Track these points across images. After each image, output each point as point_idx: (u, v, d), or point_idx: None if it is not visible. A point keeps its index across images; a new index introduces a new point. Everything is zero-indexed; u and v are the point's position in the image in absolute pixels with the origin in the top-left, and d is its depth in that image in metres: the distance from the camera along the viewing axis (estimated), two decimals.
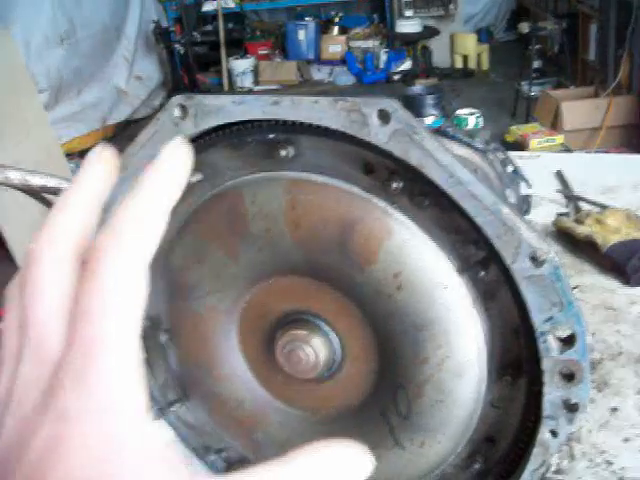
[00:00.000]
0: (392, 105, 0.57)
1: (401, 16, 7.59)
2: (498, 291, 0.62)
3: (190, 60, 7.26)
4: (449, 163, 0.56)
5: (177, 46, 7.09)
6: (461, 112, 1.87)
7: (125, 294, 0.31)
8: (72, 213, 0.35)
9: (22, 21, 4.99)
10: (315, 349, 0.70)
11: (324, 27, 8.09)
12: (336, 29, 8.06)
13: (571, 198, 1.66)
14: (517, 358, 0.64)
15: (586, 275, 1.38)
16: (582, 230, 1.42)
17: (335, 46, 7.95)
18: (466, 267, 0.62)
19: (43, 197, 0.93)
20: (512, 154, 1.29)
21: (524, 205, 1.22)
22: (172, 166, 0.35)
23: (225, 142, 0.69)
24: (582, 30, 5.89)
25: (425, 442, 0.70)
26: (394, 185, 0.61)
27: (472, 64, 7.70)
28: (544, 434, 0.62)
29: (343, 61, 7.89)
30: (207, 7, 7.63)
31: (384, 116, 0.57)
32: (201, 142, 0.70)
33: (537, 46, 6.10)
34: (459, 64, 7.75)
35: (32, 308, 0.33)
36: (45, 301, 0.33)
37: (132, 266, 0.32)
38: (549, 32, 6.17)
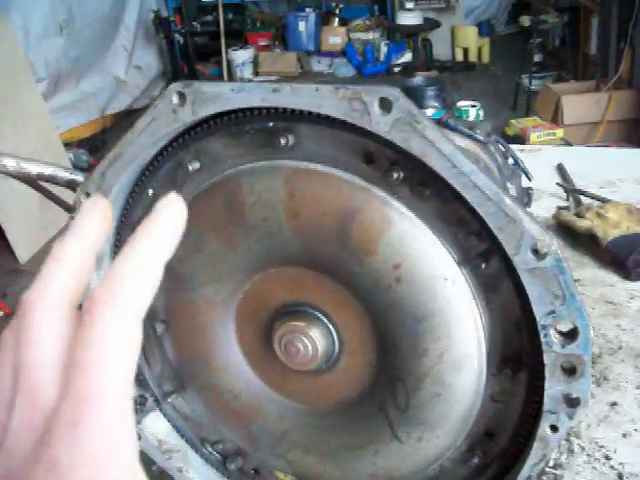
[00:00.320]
0: (394, 94, 0.56)
1: (402, 8, 7.56)
2: (499, 284, 0.61)
3: (190, 50, 7.23)
4: (451, 153, 0.55)
5: (177, 36, 7.06)
6: (462, 104, 1.87)
7: (120, 347, 0.32)
8: (67, 263, 0.36)
9: (21, 10, 4.96)
10: (313, 341, 0.69)
11: (324, 18, 8.05)
12: (336, 20, 8.03)
13: (572, 192, 1.65)
14: (518, 351, 0.63)
15: (586, 269, 1.37)
16: (582, 224, 1.41)
17: (335, 38, 7.92)
18: (467, 259, 0.62)
19: (39, 185, 0.92)
20: (513, 147, 1.28)
21: (525, 198, 1.21)
22: (167, 222, 0.36)
23: (224, 130, 0.68)
24: (583, 24, 5.87)
25: (423, 436, 0.69)
26: (395, 175, 0.60)
27: (473, 57, 7.68)
28: (544, 429, 0.62)
29: (343, 53, 7.86)
30: None
31: (386, 105, 0.56)
32: (199, 130, 0.69)
33: (538, 39, 6.08)
34: (460, 57, 7.72)
35: (26, 357, 0.33)
36: (39, 351, 0.33)
37: (127, 319, 0.33)
38: (550, 25, 6.14)
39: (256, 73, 7.66)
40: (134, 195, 0.76)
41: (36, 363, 0.33)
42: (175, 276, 0.75)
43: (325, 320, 0.70)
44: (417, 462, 0.72)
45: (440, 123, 1.11)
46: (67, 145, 4.99)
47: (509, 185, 1.10)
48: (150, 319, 0.79)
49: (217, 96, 0.63)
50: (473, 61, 7.66)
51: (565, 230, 1.48)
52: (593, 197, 1.58)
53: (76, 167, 4.65)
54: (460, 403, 0.66)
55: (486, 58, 7.70)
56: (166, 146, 0.71)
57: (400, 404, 0.69)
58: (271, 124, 0.65)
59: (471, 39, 7.66)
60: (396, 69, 7.52)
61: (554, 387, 0.60)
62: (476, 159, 0.99)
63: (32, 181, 0.89)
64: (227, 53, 7.54)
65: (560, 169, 1.80)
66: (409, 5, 7.50)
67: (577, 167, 1.79)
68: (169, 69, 7.33)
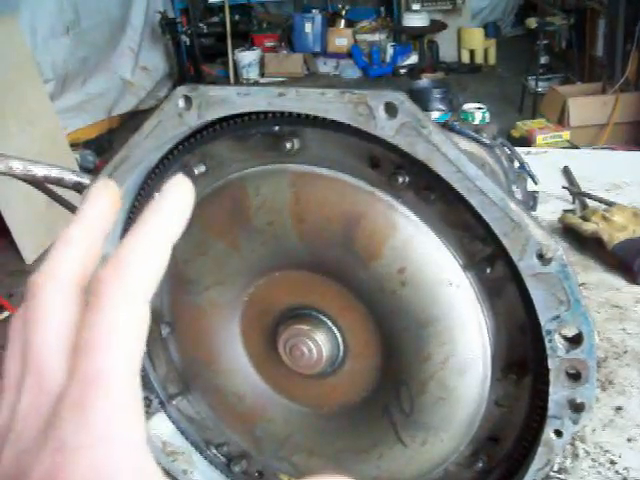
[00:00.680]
0: (399, 98, 0.56)
1: (408, 9, 7.56)
2: (504, 288, 0.61)
3: (196, 51, 7.25)
4: (456, 157, 0.55)
5: (183, 37, 7.08)
6: (467, 107, 1.86)
7: (127, 328, 0.32)
8: (75, 246, 0.36)
9: (28, 10, 4.97)
10: (318, 344, 0.69)
11: (331, 20, 8.06)
12: (343, 22, 8.04)
13: (577, 195, 1.65)
14: (522, 356, 0.63)
15: (592, 272, 1.37)
16: (588, 227, 1.41)
17: (341, 39, 7.92)
18: (472, 264, 0.62)
19: (45, 187, 0.92)
20: (519, 150, 1.28)
21: (530, 201, 1.21)
22: (175, 202, 0.35)
23: (229, 134, 0.68)
24: (590, 26, 5.86)
25: (428, 440, 0.69)
26: (400, 179, 0.60)
27: (479, 59, 7.68)
28: (549, 434, 0.62)
29: (349, 54, 7.87)
30: None
31: (391, 109, 0.56)
32: (205, 133, 0.69)
33: (544, 41, 6.07)
34: (466, 59, 7.72)
35: (34, 338, 0.33)
36: (47, 332, 0.33)
37: (134, 300, 0.32)
38: (557, 27, 6.14)
39: (262, 74, 7.67)
40: (140, 198, 0.76)
41: (44, 344, 0.33)
42: (180, 279, 0.75)
43: (330, 324, 0.70)
44: (421, 466, 0.72)
45: (446, 126, 1.11)
46: (73, 146, 4.99)
47: (515, 189, 1.10)
48: (155, 321, 0.79)
49: (223, 100, 0.63)
50: (479, 63, 7.66)
51: (571, 233, 1.47)
52: (599, 200, 1.57)
53: (82, 168, 4.66)
54: (464, 407, 0.66)
55: (492, 60, 7.70)
56: (172, 149, 0.72)
57: (404, 408, 0.69)
58: (277, 128, 0.65)
59: (477, 41, 7.66)
60: (402, 71, 7.52)
61: (558, 392, 0.60)
62: (482, 163, 0.99)
63: (39, 183, 0.89)
64: (233, 54, 7.56)
65: (566, 172, 1.79)
66: (415, 7, 7.50)
67: (583, 170, 1.78)
68: (175, 70, 7.35)
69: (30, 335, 0.33)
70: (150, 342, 0.81)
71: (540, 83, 5.78)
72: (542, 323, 0.57)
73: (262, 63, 7.70)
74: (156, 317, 0.79)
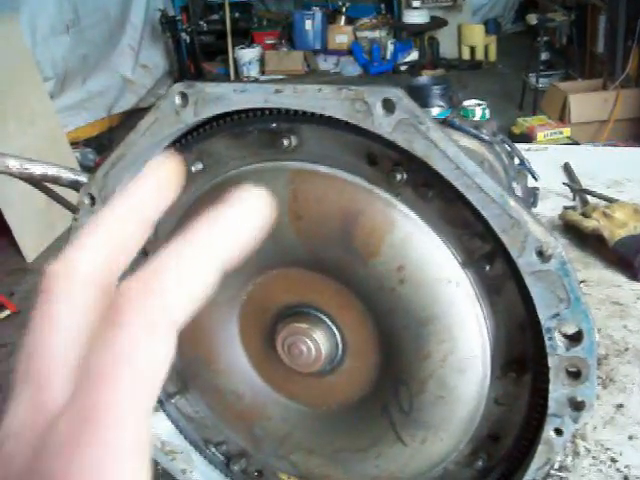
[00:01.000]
0: (397, 94, 0.55)
1: (408, 6, 7.55)
2: (504, 286, 0.61)
3: (196, 49, 7.24)
4: (455, 154, 0.55)
5: (183, 35, 7.07)
6: (468, 103, 1.86)
7: (142, 365, 0.25)
8: (106, 234, 0.29)
9: (28, 9, 4.97)
10: (317, 342, 0.69)
11: (331, 17, 8.05)
12: (343, 19, 8.02)
13: (578, 191, 1.64)
14: (522, 354, 0.63)
15: (592, 269, 1.36)
16: (589, 224, 1.41)
17: (342, 36, 7.91)
18: (471, 261, 0.61)
19: (43, 185, 0.92)
20: (519, 146, 1.28)
21: (531, 198, 1.21)
22: (249, 216, 0.28)
23: (226, 131, 0.67)
24: (591, 22, 5.84)
25: (427, 438, 0.69)
26: (398, 176, 0.60)
27: (479, 55, 7.66)
28: (549, 432, 0.61)
29: (350, 51, 7.86)
30: None
31: (389, 105, 0.55)
32: (202, 131, 0.69)
33: (545, 38, 6.06)
34: (466, 55, 7.71)
35: (39, 341, 0.28)
36: (54, 337, 0.28)
37: (158, 331, 0.26)
38: (557, 24, 6.13)
39: (262, 72, 7.67)
40: None
41: (49, 352, 0.28)
42: None
43: (328, 322, 0.70)
44: (420, 465, 0.71)
45: (445, 123, 1.11)
46: (74, 144, 4.99)
47: (515, 185, 1.10)
48: None
49: (219, 97, 0.62)
50: (480, 59, 7.65)
51: (571, 230, 1.47)
52: (600, 197, 1.57)
53: (83, 166, 4.66)
54: (464, 406, 0.66)
55: (493, 56, 7.68)
56: (169, 147, 0.71)
57: (404, 406, 0.68)
58: (274, 125, 0.64)
59: (478, 37, 7.64)
60: (402, 68, 7.51)
61: (559, 390, 0.59)
62: (481, 160, 0.99)
63: (36, 182, 0.89)
64: (234, 52, 7.55)
65: (567, 168, 1.79)
66: (416, 3, 7.49)
67: (584, 166, 1.78)
68: (175, 68, 7.34)
69: (37, 335, 0.28)
70: None
71: (541, 79, 5.77)
72: (542, 321, 0.57)
73: (262, 61, 7.70)
74: None
